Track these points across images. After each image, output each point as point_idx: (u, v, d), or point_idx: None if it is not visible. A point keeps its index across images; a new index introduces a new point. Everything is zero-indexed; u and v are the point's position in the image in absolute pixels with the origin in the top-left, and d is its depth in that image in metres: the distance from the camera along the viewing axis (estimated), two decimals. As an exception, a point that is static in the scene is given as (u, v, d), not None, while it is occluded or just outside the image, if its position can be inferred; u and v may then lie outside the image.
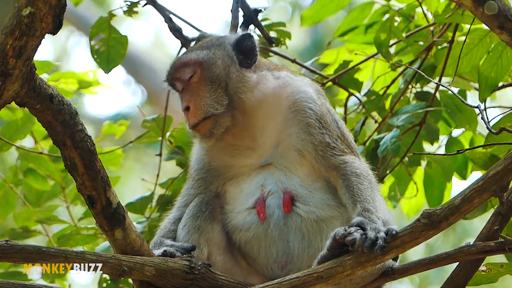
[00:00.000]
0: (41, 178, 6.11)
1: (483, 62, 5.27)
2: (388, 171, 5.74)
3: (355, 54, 5.89)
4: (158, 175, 6.05)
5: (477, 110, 5.36)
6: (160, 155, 6.05)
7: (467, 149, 4.93)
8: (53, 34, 3.99)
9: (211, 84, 4.68)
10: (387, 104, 5.81)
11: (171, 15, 5.98)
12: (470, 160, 5.48)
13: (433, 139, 5.69)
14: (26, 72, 3.99)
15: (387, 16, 5.71)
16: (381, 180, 5.69)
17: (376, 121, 5.88)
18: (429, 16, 5.74)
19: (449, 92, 5.59)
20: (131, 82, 12.98)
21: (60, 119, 4.12)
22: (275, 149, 4.69)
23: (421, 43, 5.74)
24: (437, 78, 5.57)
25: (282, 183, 4.64)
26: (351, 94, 5.84)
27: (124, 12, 5.97)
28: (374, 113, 5.87)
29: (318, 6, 5.91)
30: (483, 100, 5.28)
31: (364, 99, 5.81)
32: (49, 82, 6.09)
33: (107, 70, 5.76)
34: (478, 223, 9.63)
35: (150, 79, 12.27)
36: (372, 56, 5.89)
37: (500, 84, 5.51)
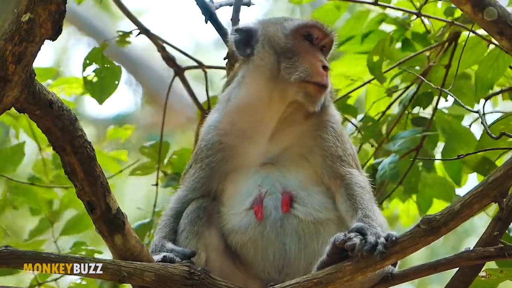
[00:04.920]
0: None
1: (480, 65, 5.31)
2: (385, 197, 5.76)
3: (351, 80, 5.94)
4: (155, 205, 6.06)
5: (476, 115, 5.37)
6: (156, 185, 6.07)
7: (466, 154, 4.93)
8: (53, 40, 3.99)
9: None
10: (384, 128, 5.85)
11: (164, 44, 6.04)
12: (462, 163, 5.51)
13: (429, 166, 5.72)
14: (26, 78, 3.99)
15: (384, 26, 5.71)
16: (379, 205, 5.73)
17: (372, 146, 5.90)
18: (426, 22, 5.75)
19: (446, 116, 5.65)
20: (132, 81, 12.99)
21: (59, 125, 4.11)
22: (283, 151, 4.70)
23: (417, 67, 5.77)
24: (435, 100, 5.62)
25: (281, 184, 4.64)
26: (345, 120, 5.87)
27: (117, 42, 6.02)
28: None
29: (314, 17, 5.90)
30: (479, 100, 5.32)
31: (359, 124, 5.85)
32: (52, 88, 6.16)
33: (100, 100, 5.79)
34: (478, 223, 9.64)
35: (150, 79, 12.27)
36: (368, 82, 5.92)
37: (499, 89, 5.55)
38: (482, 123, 4.56)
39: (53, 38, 3.97)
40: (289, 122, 4.70)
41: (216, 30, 5.53)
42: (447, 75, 5.58)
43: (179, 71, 6.27)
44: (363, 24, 5.91)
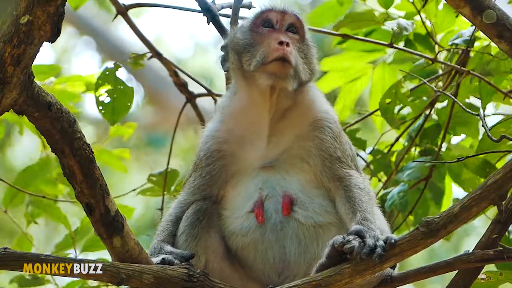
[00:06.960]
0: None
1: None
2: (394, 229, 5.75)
3: (358, 113, 5.94)
4: None
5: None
6: (161, 209, 6.06)
7: (467, 157, 4.94)
8: (52, 42, 3.99)
9: (305, 57, 4.68)
10: (393, 159, 5.84)
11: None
12: (463, 166, 5.51)
13: (438, 199, 5.71)
14: (24, 80, 3.99)
15: (388, 23, 5.69)
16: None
17: (379, 180, 5.89)
18: (428, 24, 5.75)
19: (451, 150, 5.67)
20: (132, 81, 12.99)
21: (58, 127, 4.11)
22: (281, 154, 4.69)
23: (424, 98, 5.76)
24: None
25: (281, 187, 4.64)
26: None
27: (130, 64, 6.03)
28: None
29: (317, 13, 5.90)
30: (485, 107, 5.33)
31: (369, 157, 5.85)
32: (55, 86, 6.16)
33: (112, 121, 5.78)
34: (478, 224, 9.64)
35: (151, 79, 12.27)
36: (372, 113, 5.92)
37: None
38: (483, 125, 4.56)
39: (52, 40, 3.97)
40: (281, 113, 4.68)
41: (218, 31, 5.54)
42: (453, 106, 5.59)
43: (190, 98, 6.29)
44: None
